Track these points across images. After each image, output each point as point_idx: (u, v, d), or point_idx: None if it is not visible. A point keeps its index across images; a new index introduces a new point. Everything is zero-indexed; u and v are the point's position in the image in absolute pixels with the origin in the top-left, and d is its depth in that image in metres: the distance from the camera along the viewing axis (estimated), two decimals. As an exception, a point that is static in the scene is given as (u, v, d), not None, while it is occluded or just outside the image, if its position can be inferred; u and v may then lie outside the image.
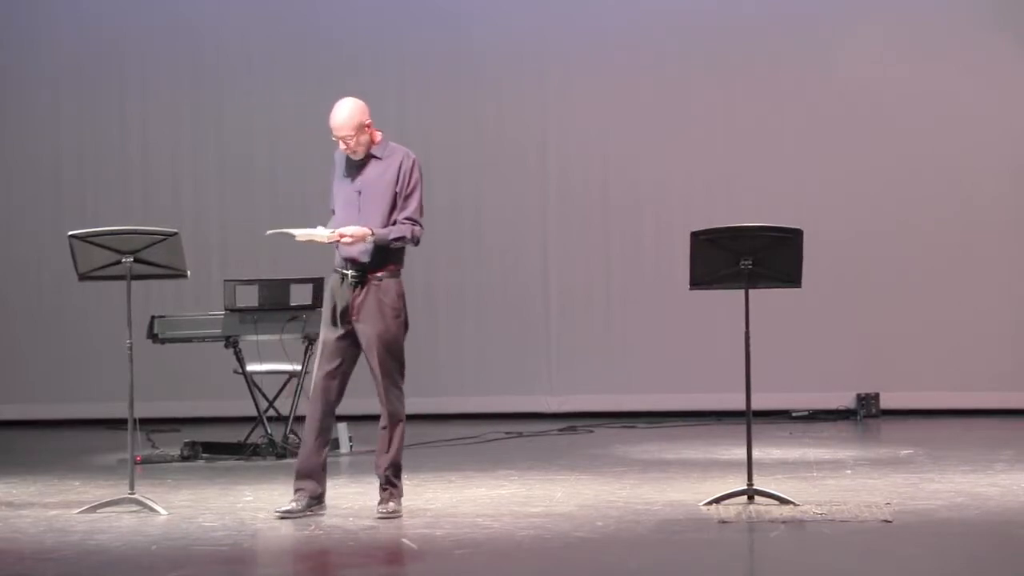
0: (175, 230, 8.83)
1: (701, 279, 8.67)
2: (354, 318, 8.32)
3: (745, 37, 13.63)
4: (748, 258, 8.53)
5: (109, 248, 8.67)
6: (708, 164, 13.64)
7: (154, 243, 8.69)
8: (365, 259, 8.30)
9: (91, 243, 8.68)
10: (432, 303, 13.80)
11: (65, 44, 14.09)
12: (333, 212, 8.53)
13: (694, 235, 8.61)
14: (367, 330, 8.31)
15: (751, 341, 8.58)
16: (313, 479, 8.44)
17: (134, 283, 8.74)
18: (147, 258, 8.69)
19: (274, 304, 11.31)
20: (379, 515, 8.33)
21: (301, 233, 8.37)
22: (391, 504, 8.38)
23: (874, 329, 13.48)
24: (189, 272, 8.87)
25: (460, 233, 13.87)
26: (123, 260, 8.65)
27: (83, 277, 8.80)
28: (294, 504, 8.39)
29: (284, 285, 11.42)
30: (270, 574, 7.56)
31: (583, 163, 13.84)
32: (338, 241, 8.25)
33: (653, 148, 13.72)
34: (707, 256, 8.59)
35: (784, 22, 13.67)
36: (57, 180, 14.07)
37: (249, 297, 11.41)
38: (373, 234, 8.24)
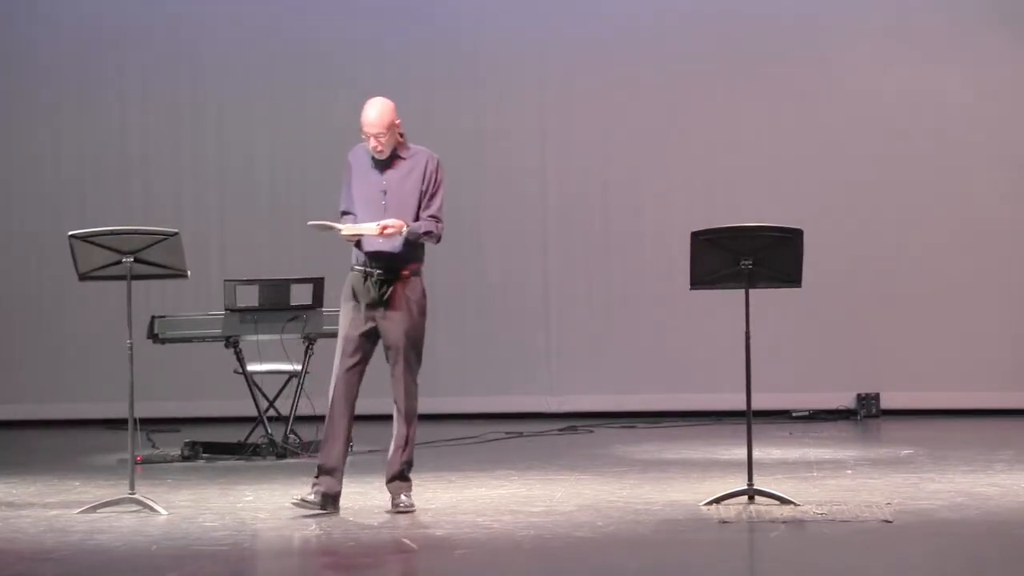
0: (175, 230, 8.83)
1: (701, 279, 8.67)
2: (381, 316, 8.35)
3: (745, 37, 13.62)
4: (748, 258, 8.53)
5: (109, 248, 8.66)
6: (708, 164, 13.64)
7: (154, 243, 8.69)
8: (397, 251, 8.34)
9: (91, 243, 8.68)
10: (432, 303, 13.69)
11: (65, 44, 14.10)
12: (344, 213, 8.54)
13: (694, 235, 8.61)
14: (395, 328, 8.37)
15: (751, 341, 8.58)
16: (333, 476, 8.45)
17: (134, 283, 8.74)
18: (147, 258, 8.69)
19: (274, 304, 11.31)
20: (398, 510, 8.40)
21: (347, 228, 8.37)
22: (404, 499, 8.45)
23: (874, 329, 13.48)
24: (189, 272, 8.88)
25: (460, 233, 13.82)
26: (123, 260, 8.65)
27: (83, 277, 8.79)
28: (311, 495, 8.39)
29: (284, 285, 11.42)
30: (270, 574, 7.56)
31: (583, 163, 13.85)
32: (382, 233, 8.26)
33: (653, 148, 13.73)
34: (707, 256, 8.59)
35: (784, 22, 13.67)
36: (57, 180, 14.08)
37: (249, 297, 11.41)
38: (408, 226, 8.30)
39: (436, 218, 8.43)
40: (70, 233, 8.75)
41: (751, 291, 8.59)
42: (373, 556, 7.50)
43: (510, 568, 7.22)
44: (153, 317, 11.39)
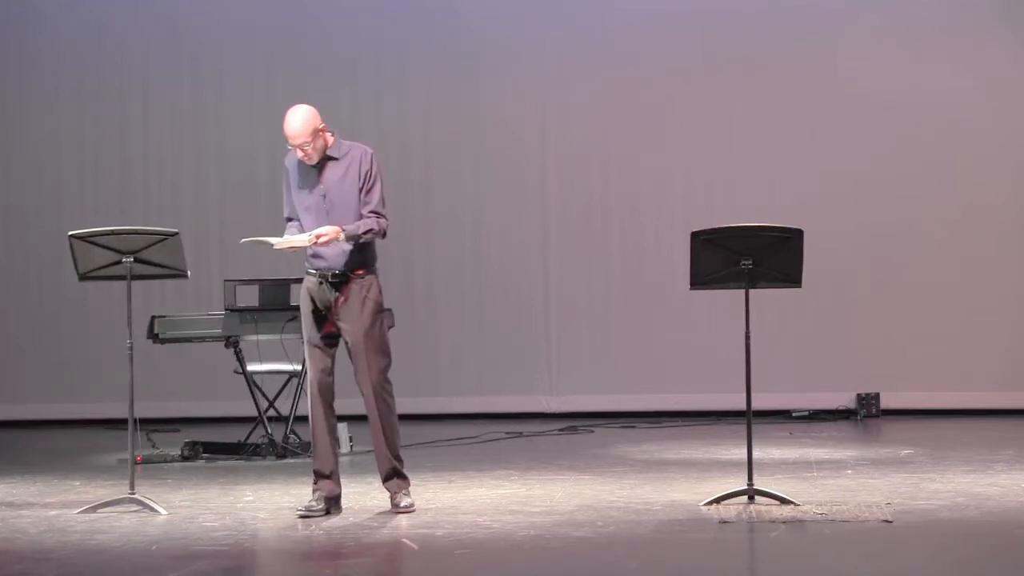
0: (175, 230, 8.84)
1: (701, 279, 8.67)
2: (338, 319, 8.34)
3: (745, 37, 13.62)
4: (748, 258, 8.53)
5: (109, 248, 8.67)
6: (708, 164, 13.64)
7: (154, 243, 8.69)
8: (342, 260, 8.32)
9: (91, 243, 8.68)
10: (432, 303, 13.81)
11: (65, 44, 14.10)
12: (288, 220, 8.54)
13: (694, 235, 8.61)
14: (354, 329, 8.34)
15: (751, 341, 8.58)
16: (331, 479, 8.45)
17: (134, 283, 8.74)
18: (147, 258, 8.69)
19: (274, 304, 11.31)
20: (398, 510, 8.39)
21: (279, 241, 8.38)
22: (405, 498, 8.45)
23: (874, 329, 13.48)
24: (189, 272, 8.88)
25: (461, 234, 13.88)
26: (123, 260, 8.66)
27: (83, 277, 8.80)
28: (314, 503, 8.40)
29: (284, 285, 11.42)
30: (270, 574, 7.56)
31: (583, 163, 13.84)
32: (315, 243, 8.26)
33: (653, 148, 13.72)
34: (707, 256, 8.59)
35: (784, 22, 13.67)
36: (57, 180, 14.07)
37: (249, 297, 11.41)
38: (344, 231, 8.26)
39: (377, 213, 8.37)
40: (70, 233, 8.75)
41: (751, 291, 8.60)
42: (373, 556, 7.50)
43: (510, 568, 7.22)
44: (153, 317, 11.39)
